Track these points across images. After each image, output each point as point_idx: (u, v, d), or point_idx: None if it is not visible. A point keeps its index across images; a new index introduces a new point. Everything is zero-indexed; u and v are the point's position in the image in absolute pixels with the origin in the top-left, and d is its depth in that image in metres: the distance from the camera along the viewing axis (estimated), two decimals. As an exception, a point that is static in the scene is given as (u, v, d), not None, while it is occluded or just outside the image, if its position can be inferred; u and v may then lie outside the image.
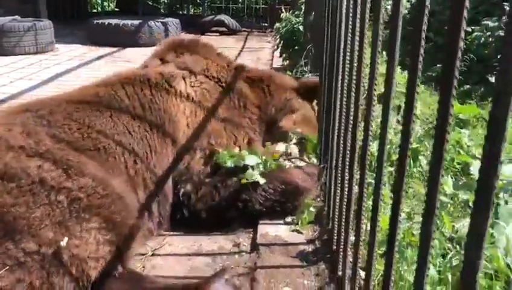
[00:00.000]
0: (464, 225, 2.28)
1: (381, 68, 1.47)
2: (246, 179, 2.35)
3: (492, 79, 7.69)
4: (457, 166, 2.83)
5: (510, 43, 0.70)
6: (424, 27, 1.04)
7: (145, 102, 2.43)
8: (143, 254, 2.18)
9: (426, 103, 4.46)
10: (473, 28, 8.68)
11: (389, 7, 2.23)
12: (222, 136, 2.56)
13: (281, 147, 2.76)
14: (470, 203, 2.45)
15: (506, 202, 2.33)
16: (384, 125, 1.29)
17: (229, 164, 2.39)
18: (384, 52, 2.86)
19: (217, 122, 2.60)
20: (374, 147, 2.25)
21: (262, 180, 2.35)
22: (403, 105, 1.39)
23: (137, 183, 2.22)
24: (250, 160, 2.40)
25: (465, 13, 0.85)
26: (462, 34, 0.86)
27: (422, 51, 1.02)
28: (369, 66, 1.44)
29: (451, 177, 2.55)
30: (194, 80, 2.68)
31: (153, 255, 2.20)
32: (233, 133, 2.62)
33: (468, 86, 6.96)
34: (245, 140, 2.66)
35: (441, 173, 0.91)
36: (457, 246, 2.07)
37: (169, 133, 2.42)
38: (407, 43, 1.25)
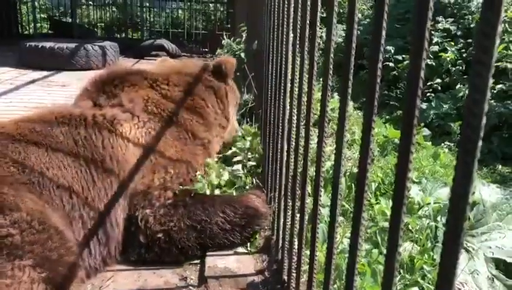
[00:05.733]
0: (405, 249, 2.36)
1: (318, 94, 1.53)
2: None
3: (423, 105, 8.17)
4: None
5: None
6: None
7: (78, 139, 2.32)
8: (84, 293, 2.06)
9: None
10: (403, 56, 9.22)
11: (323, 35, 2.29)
12: (179, 166, 2.50)
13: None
14: (410, 226, 2.54)
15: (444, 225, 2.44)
16: (319, 150, 1.33)
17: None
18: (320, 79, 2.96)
19: (172, 153, 2.54)
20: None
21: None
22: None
23: (74, 218, 2.11)
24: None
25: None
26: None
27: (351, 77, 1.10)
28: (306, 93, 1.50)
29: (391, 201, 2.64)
30: (136, 121, 2.55)
31: (95, 293, 2.08)
32: (190, 160, 2.57)
33: (401, 112, 7.33)
34: (201, 169, 2.65)
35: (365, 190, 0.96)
36: (401, 270, 2.13)
37: (112, 167, 2.33)
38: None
